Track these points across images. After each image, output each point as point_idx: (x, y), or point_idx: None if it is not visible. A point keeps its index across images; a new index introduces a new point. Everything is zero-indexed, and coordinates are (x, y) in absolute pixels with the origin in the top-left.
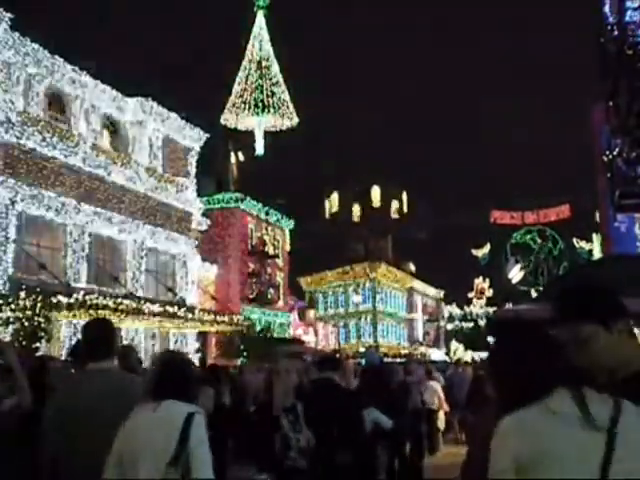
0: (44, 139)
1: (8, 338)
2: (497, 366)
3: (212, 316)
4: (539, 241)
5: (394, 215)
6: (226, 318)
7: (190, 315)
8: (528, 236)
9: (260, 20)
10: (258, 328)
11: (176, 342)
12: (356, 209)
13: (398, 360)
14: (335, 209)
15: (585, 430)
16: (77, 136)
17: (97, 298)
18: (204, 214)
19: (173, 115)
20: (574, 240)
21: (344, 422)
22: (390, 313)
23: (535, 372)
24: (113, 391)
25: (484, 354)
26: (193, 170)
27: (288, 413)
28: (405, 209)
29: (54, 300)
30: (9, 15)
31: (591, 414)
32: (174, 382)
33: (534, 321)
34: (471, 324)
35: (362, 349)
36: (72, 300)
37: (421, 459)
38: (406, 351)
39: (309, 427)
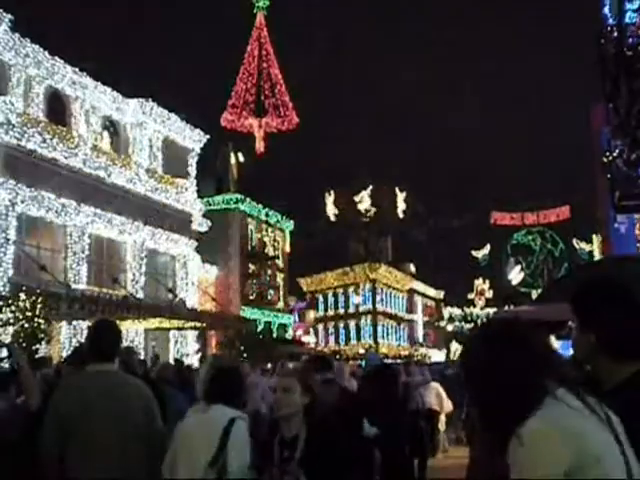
0: (44, 140)
1: (8, 339)
2: (482, 373)
3: (212, 317)
4: (540, 242)
5: (394, 216)
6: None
7: (190, 316)
8: (530, 237)
9: (260, 21)
10: (258, 329)
11: (176, 343)
12: (356, 210)
13: (399, 361)
14: (335, 210)
15: (602, 426)
16: (77, 137)
17: (97, 299)
18: (204, 215)
19: (173, 116)
20: (574, 241)
21: (349, 424)
22: (390, 314)
23: (522, 374)
24: (111, 392)
25: None
26: (193, 171)
27: (286, 447)
28: (405, 210)
29: (54, 301)
30: (9, 16)
31: (597, 411)
32: (224, 388)
33: (519, 323)
34: (471, 325)
35: (362, 350)
36: (72, 301)
37: (423, 460)
38: (406, 352)
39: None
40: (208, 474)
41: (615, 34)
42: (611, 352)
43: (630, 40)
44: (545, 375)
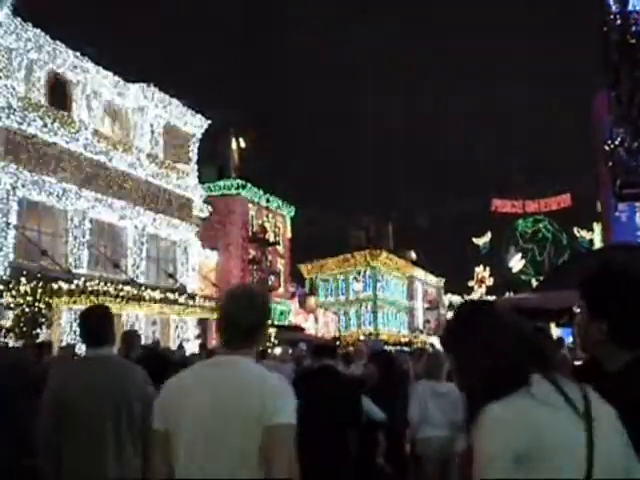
0: (45, 125)
1: (9, 324)
2: (463, 354)
3: (212, 303)
4: (550, 229)
5: (395, 202)
6: None
7: (191, 302)
8: (540, 224)
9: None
10: None
11: (177, 328)
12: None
13: (407, 349)
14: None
15: (570, 417)
16: (78, 122)
17: (98, 284)
18: (205, 201)
19: (175, 101)
20: (575, 229)
21: (347, 408)
22: (390, 301)
23: (506, 359)
24: (111, 378)
25: None
26: (194, 157)
27: None
28: (405, 197)
29: (55, 286)
30: (10, 0)
31: (572, 400)
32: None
33: (499, 306)
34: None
35: (362, 337)
36: (73, 286)
37: None
38: (406, 339)
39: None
40: None
41: (618, 22)
42: (622, 341)
43: (633, 28)
44: (528, 361)
